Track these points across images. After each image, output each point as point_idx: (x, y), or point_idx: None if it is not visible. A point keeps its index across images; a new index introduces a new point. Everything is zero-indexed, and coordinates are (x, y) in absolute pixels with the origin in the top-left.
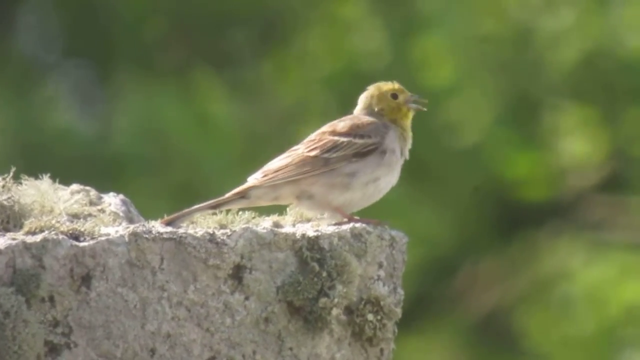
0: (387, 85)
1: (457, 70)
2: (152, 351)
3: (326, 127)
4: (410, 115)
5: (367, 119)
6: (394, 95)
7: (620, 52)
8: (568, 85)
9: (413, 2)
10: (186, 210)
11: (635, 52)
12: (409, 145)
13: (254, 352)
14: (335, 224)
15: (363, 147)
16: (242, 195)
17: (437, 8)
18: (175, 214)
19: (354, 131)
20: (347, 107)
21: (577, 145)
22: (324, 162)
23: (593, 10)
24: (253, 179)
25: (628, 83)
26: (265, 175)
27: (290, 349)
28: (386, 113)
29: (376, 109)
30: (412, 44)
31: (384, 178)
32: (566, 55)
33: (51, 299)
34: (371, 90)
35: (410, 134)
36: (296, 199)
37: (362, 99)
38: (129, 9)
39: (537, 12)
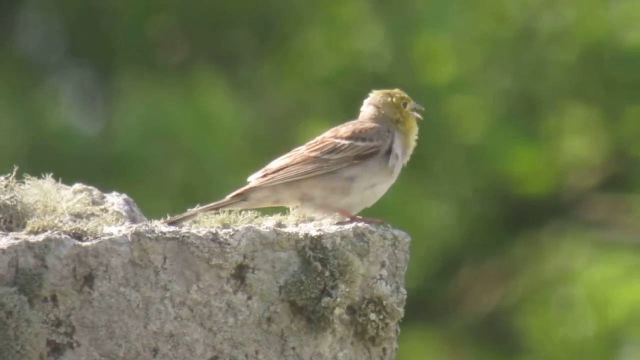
0: (395, 92)
1: (458, 69)
2: (155, 351)
3: (328, 132)
4: (413, 121)
5: (370, 123)
6: (405, 104)
7: (622, 49)
8: (570, 84)
9: (414, 1)
10: (188, 212)
11: (637, 48)
12: (410, 150)
13: (257, 352)
14: (338, 224)
15: (364, 150)
16: (243, 198)
17: (438, 7)
18: (177, 216)
19: (355, 135)
20: (347, 106)
21: (579, 143)
22: (325, 163)
23: (593, 8)
24: (254, 179)
25: (630, 80)
26: (265, 175)
27: (293, 348)
28: (393, 120)
29: (383, 112)
30: (413, 43)
31: (381, 184)
32: (568, 53)
33: (54, 298)
34: (381, 96)
35: (413, 142)
36: (297, 202)
37: (369, 104)
38: (130, 8)
39: (537, 10)
